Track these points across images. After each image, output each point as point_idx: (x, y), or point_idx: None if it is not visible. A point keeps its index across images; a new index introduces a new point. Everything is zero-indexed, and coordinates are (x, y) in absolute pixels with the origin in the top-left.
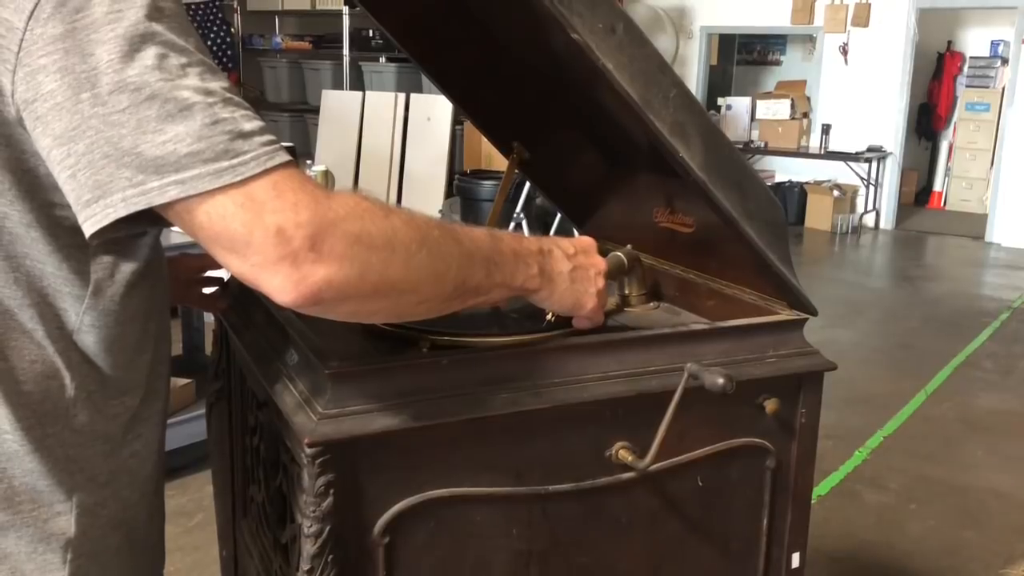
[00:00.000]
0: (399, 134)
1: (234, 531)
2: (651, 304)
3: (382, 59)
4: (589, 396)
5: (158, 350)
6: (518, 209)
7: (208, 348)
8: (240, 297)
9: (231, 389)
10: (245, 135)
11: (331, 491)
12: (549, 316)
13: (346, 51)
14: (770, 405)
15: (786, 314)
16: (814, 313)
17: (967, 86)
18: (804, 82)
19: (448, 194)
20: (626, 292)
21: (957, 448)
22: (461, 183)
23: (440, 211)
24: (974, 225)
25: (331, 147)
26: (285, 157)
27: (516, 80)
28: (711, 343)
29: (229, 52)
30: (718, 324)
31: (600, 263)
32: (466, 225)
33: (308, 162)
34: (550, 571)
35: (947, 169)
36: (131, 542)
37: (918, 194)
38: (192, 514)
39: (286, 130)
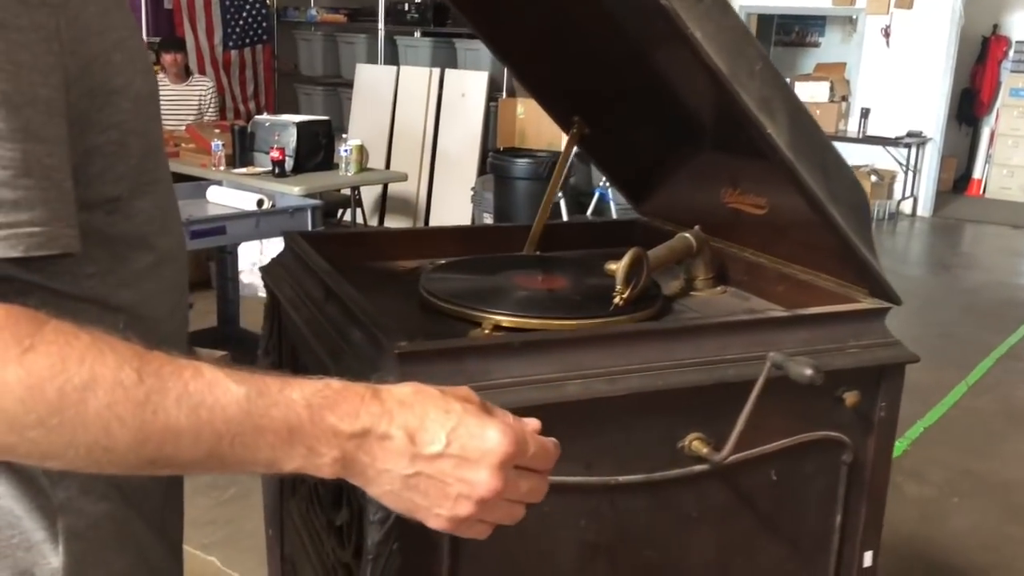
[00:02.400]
0: (432, 110)
1: (281, 511)
2: (718, 288)
3: (417, 33)
4: (664, 384)
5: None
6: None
7: (242, 320)
8: (295, 271)
9: (282, 365)
10: None
11: None
12: (617, 299)
13: (381, 24)
14: (850, 398)
15: (868, 302)
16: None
17: (1012, 71)
18: (843, 65)
19: (481, 171)
20: (693, 276)
21: (1000, 442)
22: (495, 160)
23: (473, 189)
24: (1014, 214)
25: (364, 122)
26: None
27: (578, 53)
28: (790, 331)
29: (264, 24)
30: (798, 312)
31: (488, 487)
32: (215, 371)
33: (344, 136)
34: (617, 565)
35: (988, 156)
36: (141, 561)
37: (956, 181)
38: (225, 487)
39: (319, 104)
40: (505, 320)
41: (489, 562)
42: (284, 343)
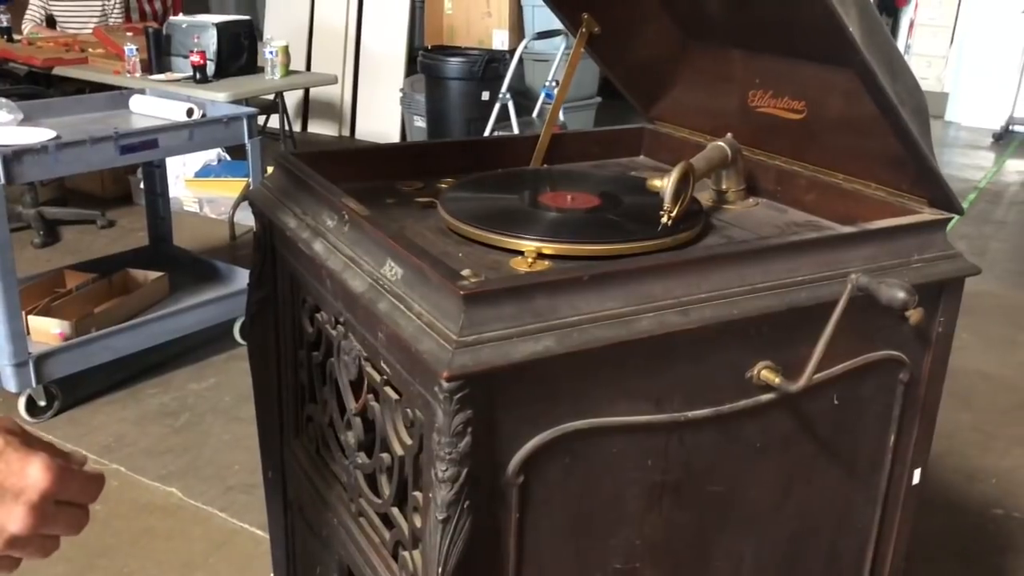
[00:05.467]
0: (354, 6)
1: (282, 452)
2: (750, 200)
3: None
4: (740, 313)
5: None
6: (504, 89)
7: (176, 237)
8: (296, 196)
9: (277, 298)
10: None
11: (468, 429)
12: (664, 219)
13: None
14: (914, 315)
15: (931, 213)
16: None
17: None
18: None
19: (409, 72)
20: (723, 188)
21: None
22: (424, 60)
23: (402, 91)
24: (933, 104)
25: (281, 21)
26: None
27: None
28: (856, 248)
29: None
30: (865, 227)
31: (21, 525)
32: None
33: (269, 37)
34: (682, 502)
35: (907, 47)
36: None
37: None
38: (177, 413)
39: (231, 3)
40: (548, 247)
41: (556, 512)
42: (281, 274)
